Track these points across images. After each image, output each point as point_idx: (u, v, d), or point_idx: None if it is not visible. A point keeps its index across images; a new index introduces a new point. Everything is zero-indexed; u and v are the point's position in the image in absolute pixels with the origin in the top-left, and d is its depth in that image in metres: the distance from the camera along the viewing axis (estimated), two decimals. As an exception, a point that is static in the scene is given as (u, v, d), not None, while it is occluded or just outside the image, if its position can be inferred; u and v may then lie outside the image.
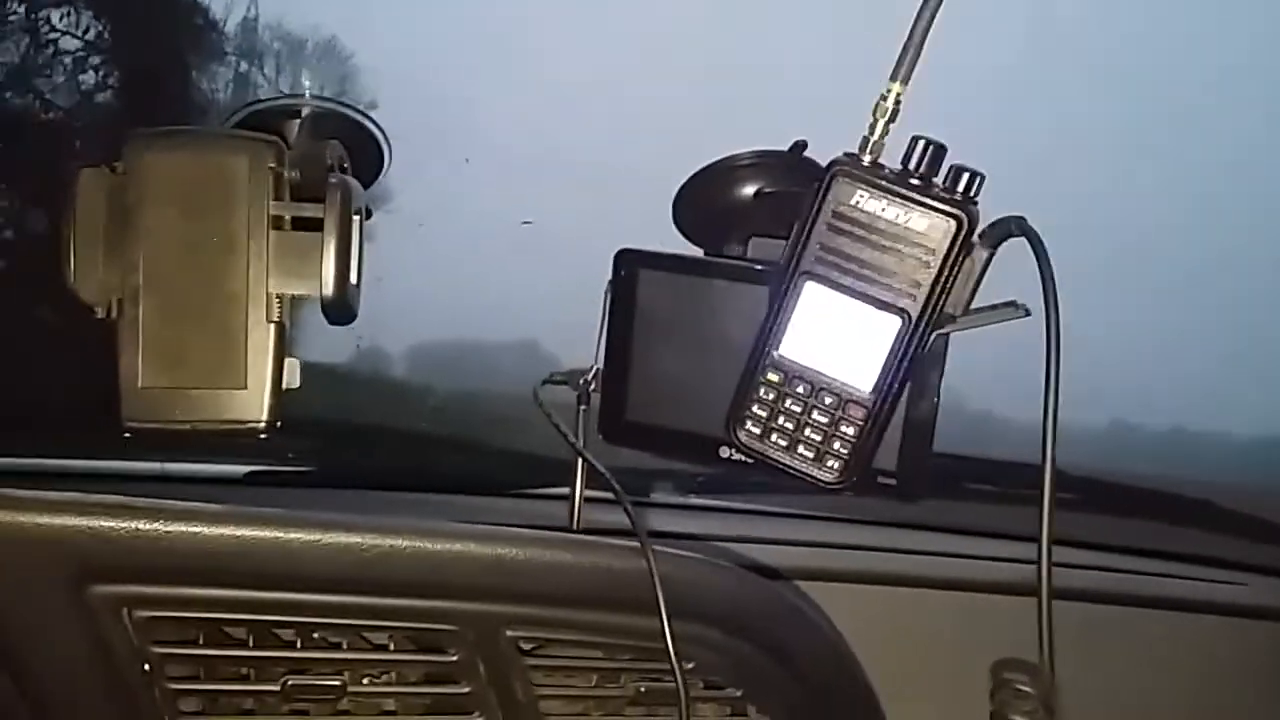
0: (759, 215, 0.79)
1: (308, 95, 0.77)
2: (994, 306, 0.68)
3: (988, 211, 0.66)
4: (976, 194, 0.65)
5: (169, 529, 0.64)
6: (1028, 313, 0.67)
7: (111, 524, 0.64)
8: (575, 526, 0.78)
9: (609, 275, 0.79)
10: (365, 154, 0.78)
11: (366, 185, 0.79)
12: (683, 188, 0.82)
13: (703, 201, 0.82)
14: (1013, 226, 0.65)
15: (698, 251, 0.82)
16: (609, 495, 0.74)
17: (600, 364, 0.80)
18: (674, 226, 0.83)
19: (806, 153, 0.79)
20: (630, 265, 0.79)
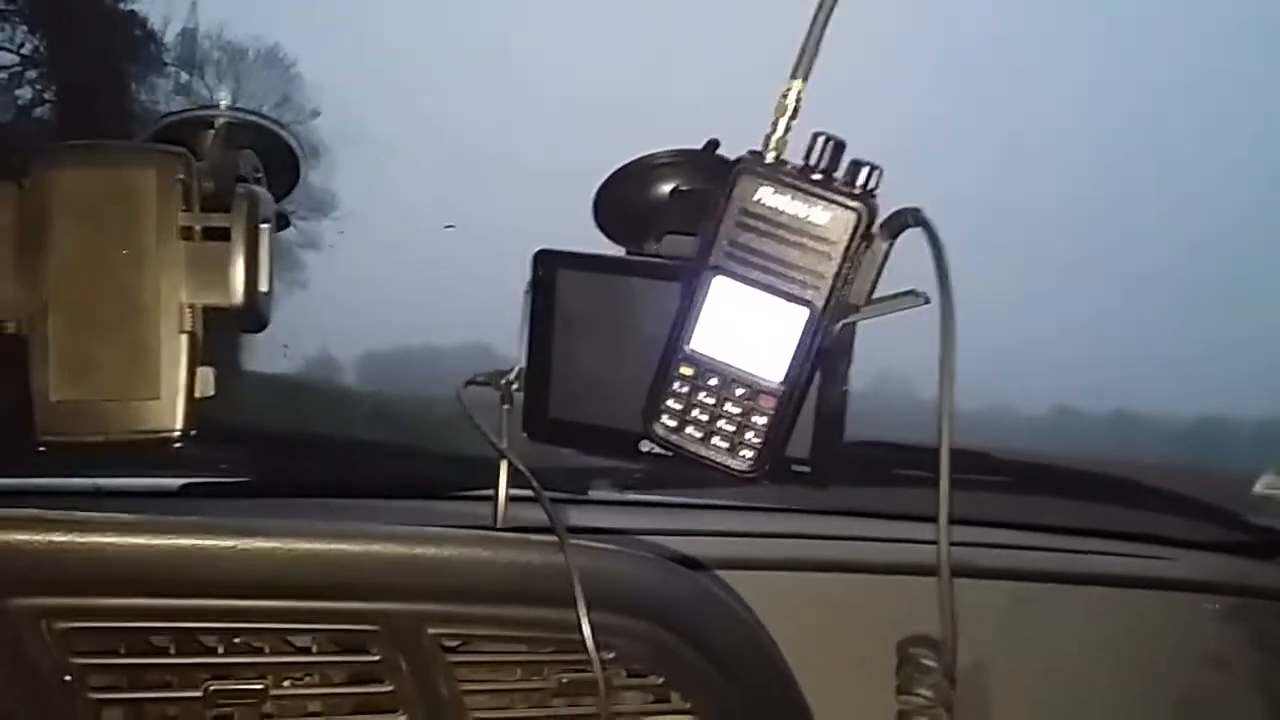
0: (675, 213, 0.81)
1: (223, 106, 0.77)
2: (895, 295, 0.70)
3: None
4: (875, 187, 0.66)
5: (84, 540, 0.64)
6: (927, 300, 0.69)
7: (25, 537, 0.64)
8: (499, 525, 0.79)
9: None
10: (282, 164, 0.78)
11: (284, 194, 0.80)
12: (601, 187, 0.83)
13: (621, 200, 0.83)
14: (909, 218, 0.67)
15: (619, 250, 0.83)
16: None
17: (522, 363, 0.81)
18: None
19: (721, 150, 0.81)
20: (548, 265, 0.80)
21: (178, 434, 0.65)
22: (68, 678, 0.68)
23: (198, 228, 0.66)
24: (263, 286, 0.66)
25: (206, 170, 0.69)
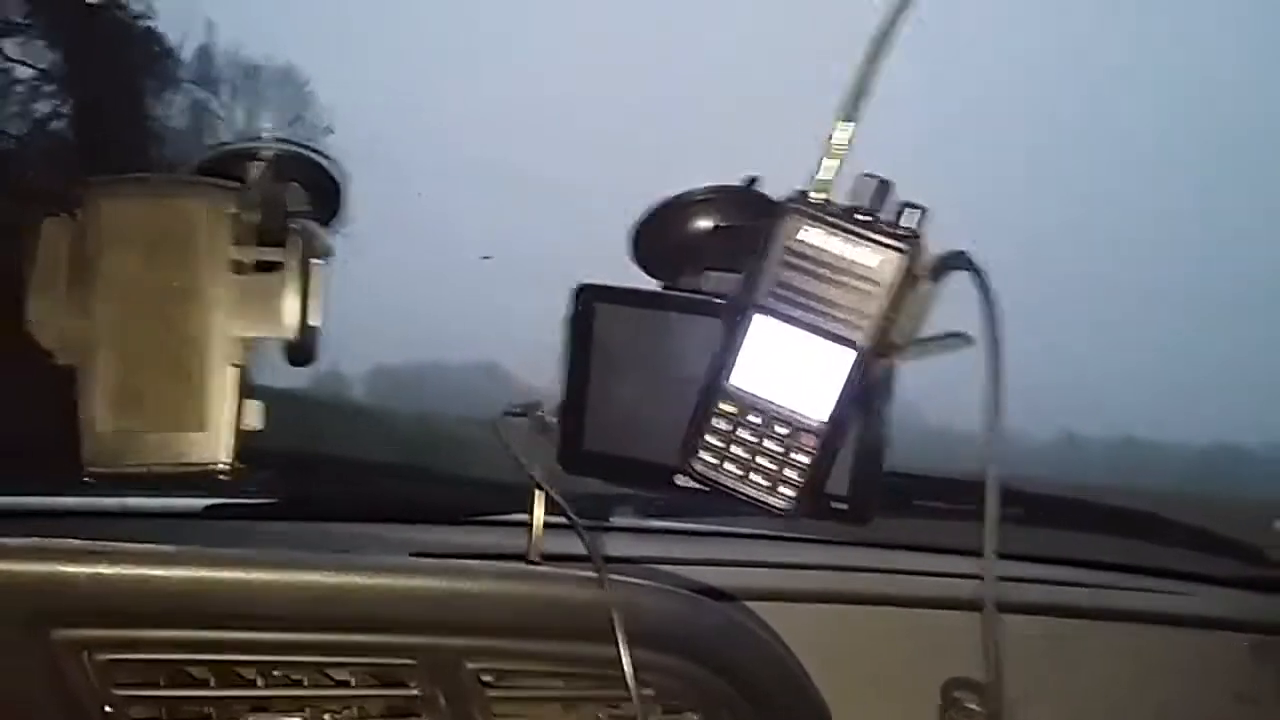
0: (714, 249, 0.81)
1: (268, 138, 0.78)
2: (940, 336, 0.70)
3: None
4: (922, 229, 0.66)
5: (128, 572, 0.64)
6: (972, 342, 0.69)
7: (71, 569, 0.64)
8: (534, 557, 0.79)
9: (567, 306, 0.80)
10: (324, 195, 0.78)
11: (325, 223, 0.80)
12: (640, 222, 0.83)
13: (659, 235, 0.83)
14: (956, 260, 0.68)
15: (656, 285, 0.84)
16: (566, 522, 0.76)
17: (559, 395, 0.81)
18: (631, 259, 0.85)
19: (761, 187, 0.81)
20: (588, 299, 0.80)
21: (224, 466, 0.65)
22: (108, 709, 0.67)
23: (248, 261, 0.66)
24: (314, 321, 0.66)
25: (255, 201, 0.69)
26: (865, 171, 0.67)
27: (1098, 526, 1.25)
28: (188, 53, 2.07)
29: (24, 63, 2.03)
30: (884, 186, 0.67)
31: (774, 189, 0.76)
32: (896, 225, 0.66)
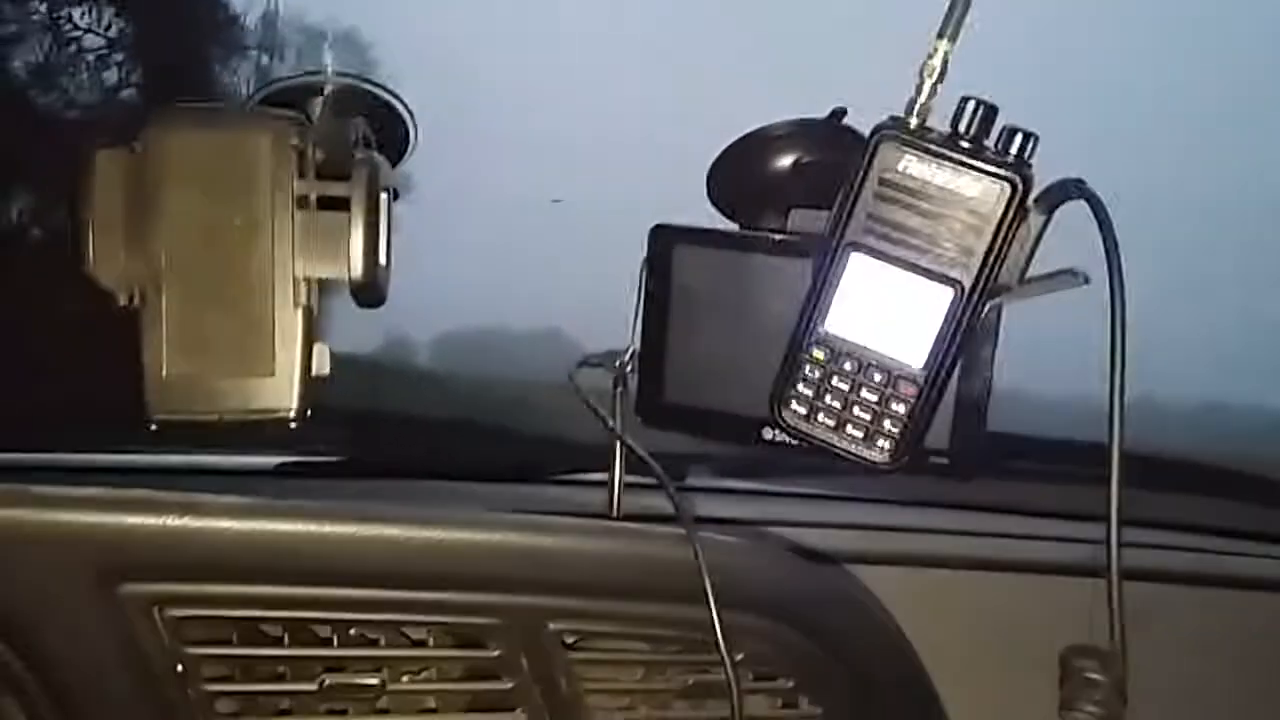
0: (798, 186, 0.76)
1: (330, 72, 0.74)
2: (1051, 275, 0.65)
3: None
4: (1031, 156, 0.62)
5: (201, 524, 0.62)
6: (1087, 280, 0.64)
7: (140, 520, 0.62)
8: (615, 514, 0.76)
9: (639, 254, 0.77)
10: (390, 133, 0.75)
11: (394, 164, 0.77)
12: (717, 160, 0.80)
13: (738, 174, 0.79)
14: (1071, 189, 0.63)
15: (734, 226, 0.79)
16: (646, 480, 0.72)
17: (636, 345, 0.78)
18: (708, 201, 0.81)
19: (846, 120, 0.76)
20: (666, 241, 0.76)
21: (293, 413, 0.63)
22: (180, 667, 0.66)
23: (313, 196, 0.63)
24: (381, 259, 0.63)
25: (319, 136, 0.66)
26: (967, 94, 0.62)
27: (1200, 488, 1.19)
28: (252, 19, 2.06)
29: (92, 31, 2.03)
30: (990, 111, 0.62)
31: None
32: (1004, 152, 0.61)
